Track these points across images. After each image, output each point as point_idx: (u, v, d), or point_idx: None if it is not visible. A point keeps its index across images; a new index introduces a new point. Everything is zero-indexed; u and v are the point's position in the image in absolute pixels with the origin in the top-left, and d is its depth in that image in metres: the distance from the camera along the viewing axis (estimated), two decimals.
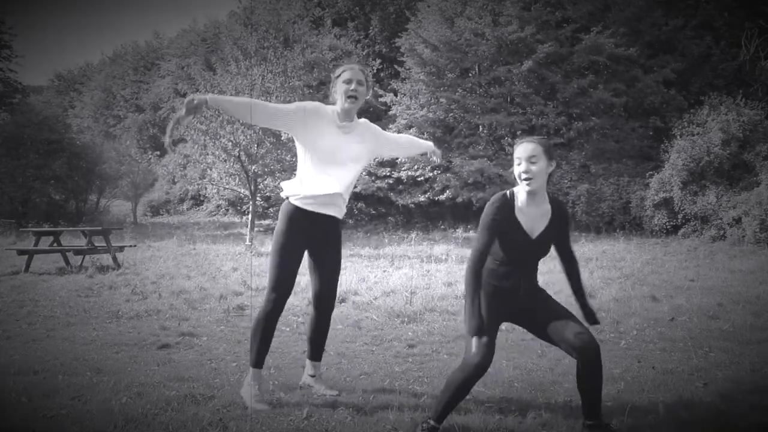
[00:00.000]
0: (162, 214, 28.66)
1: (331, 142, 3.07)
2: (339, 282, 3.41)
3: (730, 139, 14.22)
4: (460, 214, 19.20)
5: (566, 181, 17.21)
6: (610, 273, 8.36)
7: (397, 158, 17.88)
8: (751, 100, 15.62)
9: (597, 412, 2.63)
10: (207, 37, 34.46)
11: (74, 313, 5.78)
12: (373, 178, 19.47)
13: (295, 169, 3.34)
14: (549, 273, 8.21)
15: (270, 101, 13.12)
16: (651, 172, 15.79)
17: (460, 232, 17.57)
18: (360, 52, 23.19)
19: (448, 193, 18.15)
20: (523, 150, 2.59)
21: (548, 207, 2.68)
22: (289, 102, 13.54)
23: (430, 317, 5.53)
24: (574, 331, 2.57)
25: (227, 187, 14.79)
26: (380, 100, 20.59)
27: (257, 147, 13.28)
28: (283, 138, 13.40)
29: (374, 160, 19.65)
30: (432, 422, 2.59)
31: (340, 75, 3.12)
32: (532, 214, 2.64)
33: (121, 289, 7.10)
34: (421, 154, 3.74)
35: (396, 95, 20.30)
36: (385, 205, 20.25)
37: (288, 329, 4.97)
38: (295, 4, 25.38)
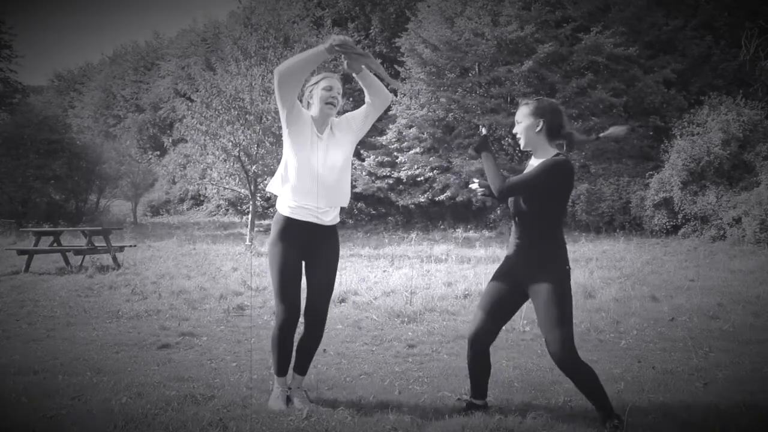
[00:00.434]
0: (162, 214, 28.67)
1: (311, 153, 2.99)
2: (334, 292, 3.30)
3: (730, 139, 14.21)
4: (460, 214, 19.20)
5: None
6: (610, 273, 8.36)
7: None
8: (751, 100, 15.61)
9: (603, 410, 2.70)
10: (207, 37, 34.49)
11: (74, 313, 5.78)
12: (373, 178, 19.46)
13: None
14: None
15: (270, 101, 13.17)
16: (651, 172, 15.78)
17: (460, 232, 17.57)
18: None
19: (448, 193, 18.15)
20: (516, 114, 2.87)
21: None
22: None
23: (430, 317, 5.53)
24: (546, 340, 2.73)
25: (227, 187, 14.79)
26: None
27: (257, 147, 13.28)
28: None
29: (374, 159, 19.69)
30: None
31: (318, 82, 3.08)
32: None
33: (121, 289, 7.10)
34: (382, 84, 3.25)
35: (396, 95, 20.30)
36: (385, 205, 20.25)
37: None
38: (295, 4, 25.38)
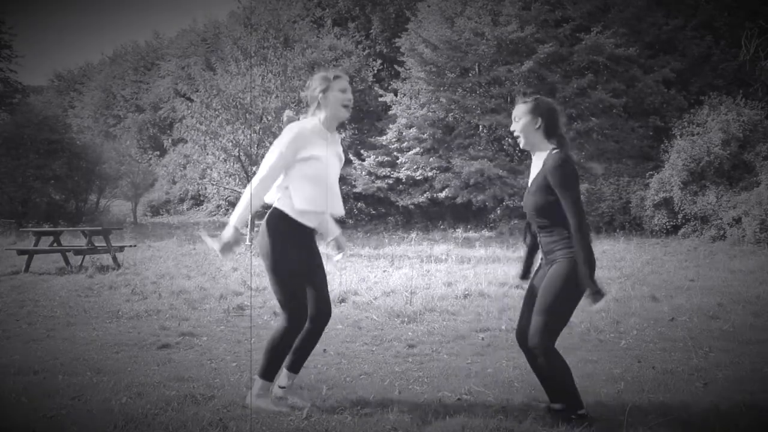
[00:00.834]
0: (162, 214, 28.66)
1: (320, 159, 2.90)
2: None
3: (730, 139, 14.21)
4: (460, 214, 19.20)
5: None
6: (610, 273, 8.36)
7: None
8: (751, 100, 15.61)
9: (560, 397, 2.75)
10: (207, 37, 34.47)
11: (74, 313, 5.78)
12: (372, 178, 19.46)
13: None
14: None
15: (270, 101, 13.18)
16: (651, 172, 15.78)
17: (460, 232, 17.57)
18: (360, 53, 23.19)
19: (447, 194, 18.15)
20: (513, 111, 2.88)
21: (544, 161, 2.76)
22: (290, 102, 13.56)
23: (430, 317, 5.53)
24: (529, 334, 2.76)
25: (227, 187, 14.79)
26: (380, 100, 20.59)
27: (257, 147, 13.28)
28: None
29: (374, 159, 19.70)
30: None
31: (332, 84, 2.93)
32: (534, 169, 2.83)
33: (121, 289, 7.10)
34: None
35: (396, 95, 20.31)
36: (385, 205, 20.24)
37: None
38: (295, 4, 25.39)
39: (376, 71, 22.87)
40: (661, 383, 3.40)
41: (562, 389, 2.73)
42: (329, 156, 2.94)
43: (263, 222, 2.96)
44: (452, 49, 18.93)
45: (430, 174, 18.82)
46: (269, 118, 13.29)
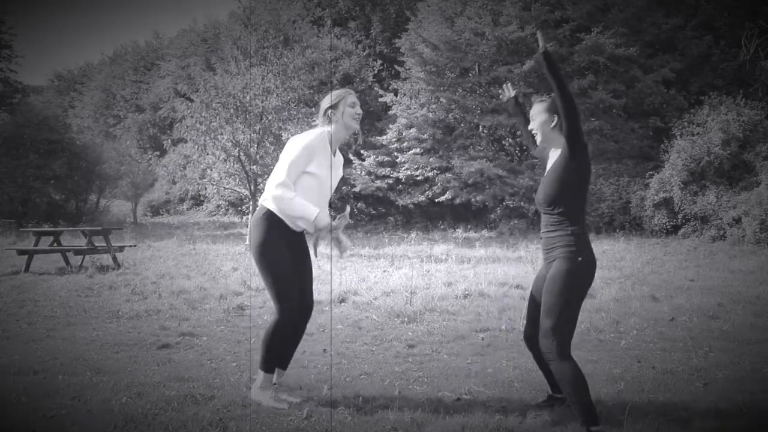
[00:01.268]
0: (162, 214, 28.66)
1: (324, 172, 3.09)
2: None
3: (730, 139, 14.21)
4: (459, 214, 19.20)
5: None
6: (610, 273, 8.36)
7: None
8: (751, 100, 15.61)
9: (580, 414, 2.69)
10: (207, 37, 34.46)
11: (74, 313, 5.78)
12: (372, 177, 19.46)
13: None
14: None
15: (270, 100, 13.18)
16: (651, 172, 15.78)
17: (459, 232, 17.57)
18: (360, 52, 23.19)
19: (447, 194, 18.14)
20: (531, 110, 2.97)
21: (561, 152, 2.81)
22: (289, 101, 13.56)
23: (430, 317, 5.53)
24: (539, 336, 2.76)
25: (227, 187, 14.78)
26: (380, 100, 20.59)
27: (257, 147, 13.27)
28: (283, 138, 13.39)
29: (374, 159, 19.69)
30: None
31: (342, 99, 3.14)
32: (550, 163, 2.90)
33: (121, 289, 7.10)
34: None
35: (396, 95, 20.30)
36: (384, 205, 20.24)
37: None
38: (295, 4, 25.39)
39: (376, 71, 22.87)
40: (661, 383, 3.40)
41: (576, 400, 2.64)
42: (329, 174, 3.14)
43: (254, 220, 3.08)
44: (452, 49, 18.93)
45: (430, 174, 18.81)
46: (269, 117, 13.28)
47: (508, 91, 3.51)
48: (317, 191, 3.09)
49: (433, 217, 19.55)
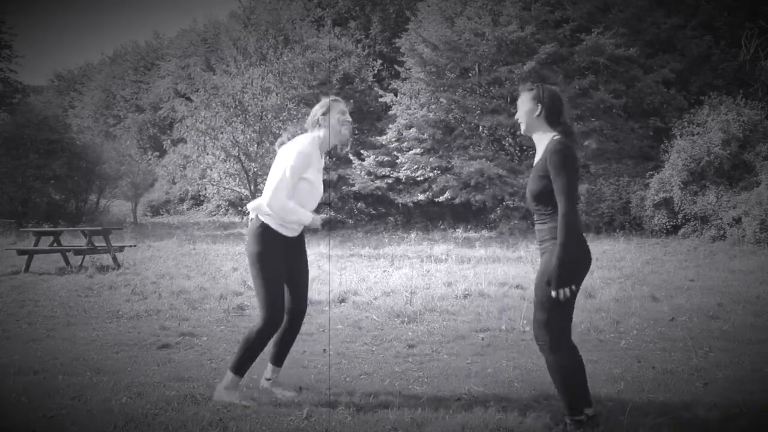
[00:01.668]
0: (162, 214, 28.65)
1: (317, 176, 3.22)
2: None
3: (730, 139, 14.21)
4: (459, 214, 19.19)
5: None
6: (610, 273, 8.36)
7: None
8: (751, 100, 15.60)
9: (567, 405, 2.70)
10: (207, 37, 34.46)
11: (74, 313, 5.78)
12: (372, 177, 19.46)
13: None
14: None
15: (269, 100, 13.19)
16: (651, 172, 15.77)
17: (459, 232, 17.56)
18: (360, 52, 23.19)
19: (447, 194, 18.14)
20: (518, 99, 2.91)
21: (545, 147, 2.73)
22: (290, 100, 13.56)
23: (430, 317, 5.53)
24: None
25: (227, 187, 14.79)
26: (380, 100, 20.58)
27: (257, 146, 13.28)
28: (283, 138, 13.38)
29: (374, 159, 19.69)
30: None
31: (332, 107, 3.25)
32: (537, 158, 2.81)
33: (121, 289, 7.10)
34: None
35: (396, 95, 20.29)
36: (384, 205, 20.24)
37: None
38: (295, 5, 25.37)
39: (376, 71, 22.86)
40: (661, 383, 3.40)
41: (571, 389, 2.65)
42: (320, 178, 3.27)
43: (251, 231, 3.18)
44: (452, 50, 18.92)
45: (430, 174, 18.81)
46: (268, 117, 13.29)
47: None
48: (310, 194, 3.19)
49: (433, 217, 19.54)
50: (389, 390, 3.32)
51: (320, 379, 3.52)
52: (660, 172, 15.35)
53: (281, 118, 13.40)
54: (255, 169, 13.49)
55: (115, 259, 9.27)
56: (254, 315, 5.68)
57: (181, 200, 29.79)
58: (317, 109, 3.28)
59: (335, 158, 18.43)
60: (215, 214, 26.40)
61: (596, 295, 6.45)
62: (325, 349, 4.31)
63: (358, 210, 20.00)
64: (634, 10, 19.14)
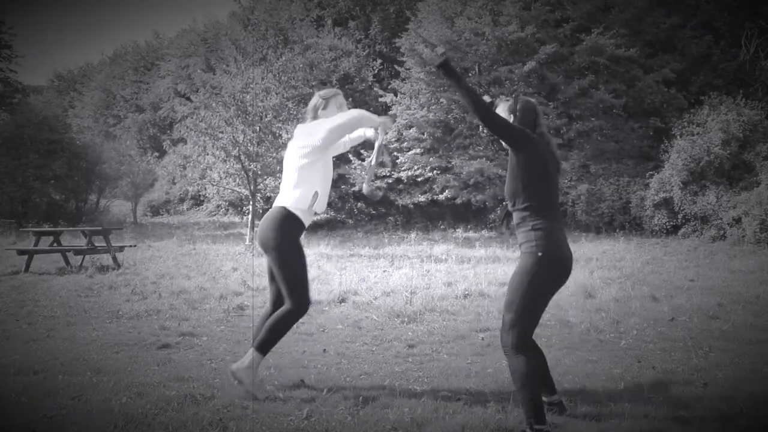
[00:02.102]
0: (162, 214, 28.64)
1: (328, 162, 3.43)
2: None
3: (730, 139, 14.21)
4: (459, 214, 19.19)
5: (566, 181, 17.21)
6: (610, 273, 8.36)
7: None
8: (751, 100, 15.59)
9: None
10: (207, 37, 34.44)
11: (74, 313, 5.78)
12: (372, 177, 19.43)
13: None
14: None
15: (269, 100, 13.18)
16: (651, 172, 15.77)
17: (459, 232, 17.56)
18: (360, 52, 23.19)
19: (447, 194, 18.13)
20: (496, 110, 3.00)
21: None
22: (289, 99, 13.56)
23: (430, 317, 5.53)
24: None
25: (227, 187, 14.78)
26: (380, 100, 20.58)
27: (257, 146, 13.27)
28: (283, 138, 13.40)
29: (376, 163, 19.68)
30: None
31: (334, 96, 3.48)
32: None
33: (121, 289, 7.10)
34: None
35: (396, 95, 20.29)
36: (384, 205, 20.23)
37: None
38: (295, 4, 25.37)
39: (376, 71, 22.85)
40: (661, 383, 3.40)
41: (524, 396, 2.61)
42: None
43: (270, 220, 3.26)
44: (452, 50, 18.90)
45: (430, 174, 18.81)
46: (268, 117, 13.28)
47: None
48: (329, 172, 3.42)
49: (433, 217, 19.54)
50: (389, 390, 3.32)
51: (320, 379, 3.52)
52: (660, 172, 15.35)
53: (281, 118, 13.39)
54: (255, 169, 13.48)
55: (115, 259, 9.27)
56: (255, 315, 5.69)
57: (181, 200, 29.78)
58: (316, 99, 3.46)
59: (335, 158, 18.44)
60: (215, 214, 26.40)
61: (596, 295, 6.45)
62: (325, 349, 4.31)
63: (358, 210, 19.99)
64: (634, 10, 19.14)
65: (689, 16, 19.52)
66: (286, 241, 3.22)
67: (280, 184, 3.53)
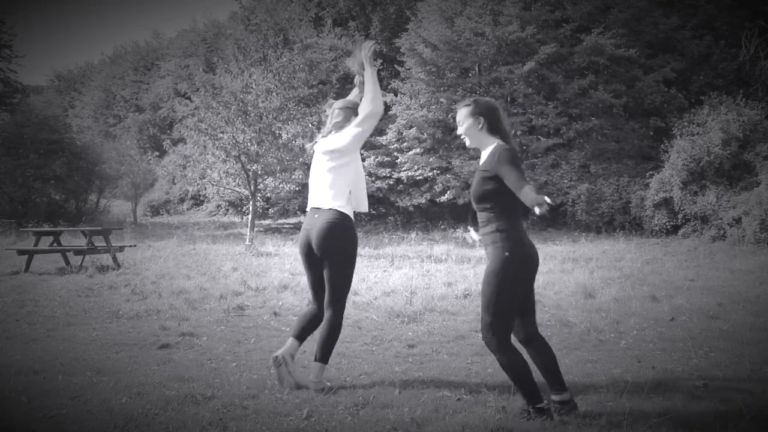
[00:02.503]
0: (162, 214, 28.64)
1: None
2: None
3: (730, 139, 14.21)
4: (459, 214, 19.19)
5: (566, 181, 17.21)
6: (610, 273, 8.36)
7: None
8: (751, 100, 15.60)
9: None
10: (207, 37, 34.47)
11: (74, 313, 5.78)
12: (373, 178, 19.45)
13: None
14: (548, 273, 8.22)
15: (270, 100, 13.17)
16: (651, 172, 15.78)
17: (459, 232, 17.55)
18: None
19: (447, 194, 18.13)
20: (456, 116, 3.03)
21: (491, 152, 2.88)
22: (290, 100, 13.54)
23: (430, 317, 5.53)
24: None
25: (227, 187, 14.77)
26: None
27: (257, 146, 13.26)
28: (283, 138, 13.39)
29: (374, 159, 19.70)
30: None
31: (352, 108, 3.65)
32: (481, 161, 2.97)
33: (121, 289, 7.10)
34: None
35: (396, 95, 20.29)
36: (384, 205, 20.24)
37: (288, 329, 4.96)
38: (295, 5, 25.36)
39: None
40: (661, 383, 3.40)
41: (522, 384, 2.79)
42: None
43: (341, 227, 3.34)
44: (452, 50, 18.92)
45: (430, 174, 18.80)
46: (269, 117, 13.27)
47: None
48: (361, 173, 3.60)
49: (433, 217, 19.54)
50: (389, 390, 3.32)
51: (320, 379, 3.51)
52: (660, 172, 15.35)
53: (281, 118, 13.38)
54: (255, 169, 13.48)
55: (115, 259, 9.27)
56: (255, 315, 5.69)
57: (181, 200, 29.78)
58: (336, 112, 3.62)
59: None
60: (215, 214, 26.39)
61: (596, 295, 6.45)
62: None
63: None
64: (634, 10, 19.14)
65: (689, 16, 19.52)
66: (353, 249, 3.40)
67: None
